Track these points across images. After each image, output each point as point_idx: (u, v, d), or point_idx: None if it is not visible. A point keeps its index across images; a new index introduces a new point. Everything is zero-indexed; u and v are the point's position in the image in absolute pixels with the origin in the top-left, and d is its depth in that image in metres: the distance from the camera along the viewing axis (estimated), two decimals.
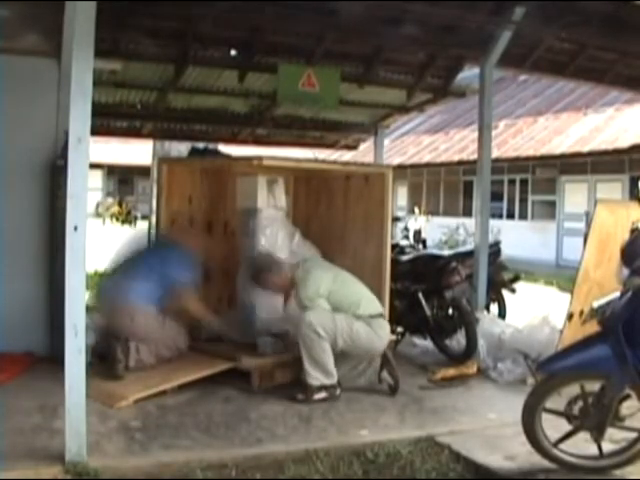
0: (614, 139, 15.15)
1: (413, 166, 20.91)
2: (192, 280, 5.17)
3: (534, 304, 8.01)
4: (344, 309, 4.79)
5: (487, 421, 4.40)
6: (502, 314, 7.04)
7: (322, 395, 4.67)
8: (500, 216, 18.44)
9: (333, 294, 4.82)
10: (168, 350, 5.10)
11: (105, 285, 5.44)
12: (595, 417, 3.46)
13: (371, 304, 4.94)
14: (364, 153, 14.49)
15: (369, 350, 4.89)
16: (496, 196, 16.75)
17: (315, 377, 4.67)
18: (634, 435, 3.50)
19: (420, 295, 5.93)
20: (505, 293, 7.13)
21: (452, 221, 18.35)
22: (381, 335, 4.88)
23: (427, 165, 20.62)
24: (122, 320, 5.00)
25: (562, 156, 16.16)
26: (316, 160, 9.78)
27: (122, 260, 5.40)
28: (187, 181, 6.08)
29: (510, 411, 4.05)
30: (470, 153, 17.23)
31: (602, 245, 5.09)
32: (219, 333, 5.36)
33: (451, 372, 5.38)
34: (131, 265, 5.32)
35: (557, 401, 3.57)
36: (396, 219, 9.03)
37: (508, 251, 8.13)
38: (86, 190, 3.45)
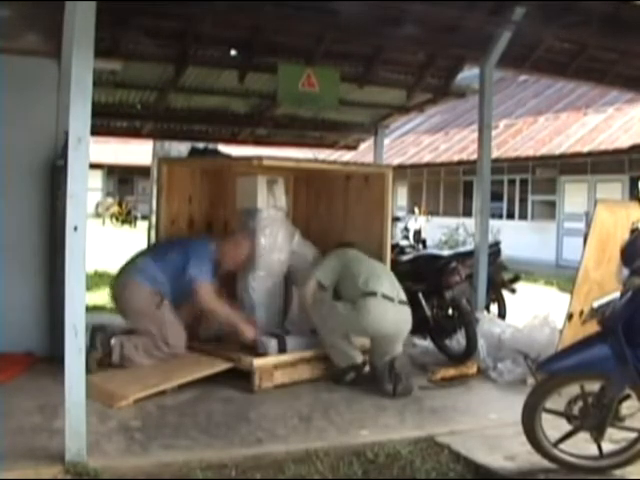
0: (614, 139, 15.15)
1: (413, 166, 20.91)
2: (209, 276, 5.20)
3: (534, 304, 8.00)
4: (354, 279, 5.09)
5: (487, 421, 4.40)
6: (502, 314, 7.04)
7: (351, 375, 5.05)
8: (500, 216, 18.44)
9: (344, 269, 5.19)
10: (158, 350, 5.09)
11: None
12: (595, 417, 3.46)
13: (371, 283, 5.01)
14: (364, 153, 14.50)
15: (364, 328, 4.98)
16: (496, 196, 16.75)
17: (340, 359, 5.06)
18: (634, 435, 3.50)
19: (420, 295, 5.92)
20: (505, 293, 7.13)
21: (452, 221, 18.36)
22: (366, 313, 4.88)
23: (427, 165, 20.62)
24: (115, 291, 5.29)
25: (562, 156, 16.16)
26: (316, 160, 9.79)
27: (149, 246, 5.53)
28: (187, 181, 6.08)
29: (510, 411, 4.05)
30: (470, 153, 17.23)
31: (602, 245, 5.08)
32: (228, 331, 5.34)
33: (451, 372, 5.38)
34: (154, 249, 5.46)
35: (557, 401, 3.57)
36: (396, 219, 9.05)
37: (508, 251, 8.13)
38: (86, 190, 3.44)
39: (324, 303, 5.16)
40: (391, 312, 4.97)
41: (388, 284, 5.11)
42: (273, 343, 5.04)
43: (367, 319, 4.90)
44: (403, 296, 5.14)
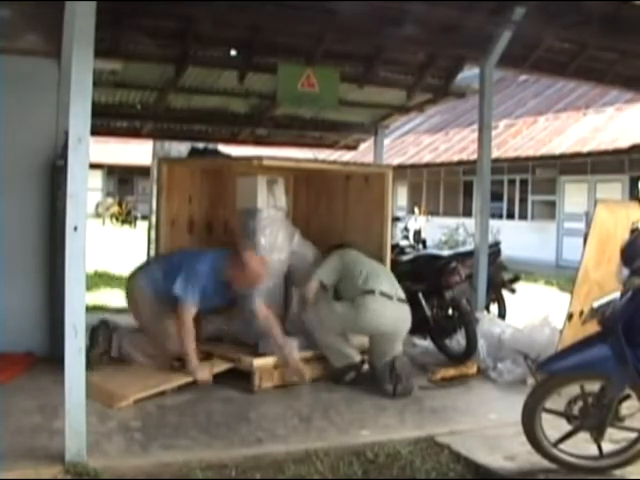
0: (614, 139, 15.15)
1: (413, 166, 20.91)
2: (193, 296, 4.84)
3: (534, 304, 8.01)
4: (354, 279, 5.09)
5: (487, 421, 4.40)
6: (502, 314, 7.04)
7: (351, 375, 5.04)
8: (500, 216, 18.44)
9: (345, 269, 5.20)
10: (157, 350, 5.06)
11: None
12: (595, 417, 3.46)
13: (370, 282, 5.02)
14: (364, 153, 14.49)
15: (362, 326, 5.01)
16: (496, 196, 16.76)
17: (336, 359, 5.05)
18: (634, 435, 3.50)
19: (420, 295, 5.92)
20: (505, 293, 7.13)
21: (452, 221, 18.36)
22: (364, 310, 4.91)
23: (427, 165, 20.63)
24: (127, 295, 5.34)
25: (562, 156, 16.16)
26: (316, 160, 9.79)
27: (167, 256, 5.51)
28: (187, 181, 6.08)
29: (510, 411, 4.05)
30: (470, 153, 17.23)
31: (602, 245, 5.09)
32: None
33: (451, 372, 5.39)
34: (165, 258, 5.46)
35: (557, 401, 3.57)
36: (396, 219, 9.05)
37: (508, 251, 8.13)
38: (86, 190, 3.45)
39: (323, 303, 5.17)
40: (389, 309, 4.98)
41: (387, 283, 5.12)
42: None
43: (365, 316, 4.92)
44: (402, 295, 5.15)
